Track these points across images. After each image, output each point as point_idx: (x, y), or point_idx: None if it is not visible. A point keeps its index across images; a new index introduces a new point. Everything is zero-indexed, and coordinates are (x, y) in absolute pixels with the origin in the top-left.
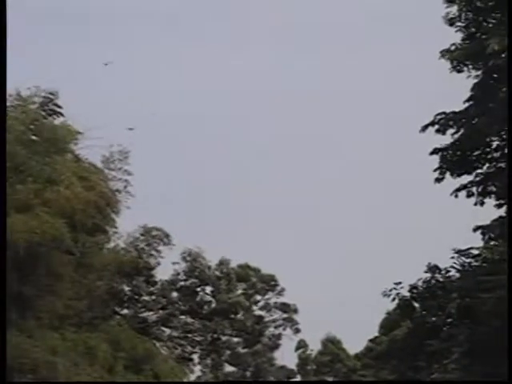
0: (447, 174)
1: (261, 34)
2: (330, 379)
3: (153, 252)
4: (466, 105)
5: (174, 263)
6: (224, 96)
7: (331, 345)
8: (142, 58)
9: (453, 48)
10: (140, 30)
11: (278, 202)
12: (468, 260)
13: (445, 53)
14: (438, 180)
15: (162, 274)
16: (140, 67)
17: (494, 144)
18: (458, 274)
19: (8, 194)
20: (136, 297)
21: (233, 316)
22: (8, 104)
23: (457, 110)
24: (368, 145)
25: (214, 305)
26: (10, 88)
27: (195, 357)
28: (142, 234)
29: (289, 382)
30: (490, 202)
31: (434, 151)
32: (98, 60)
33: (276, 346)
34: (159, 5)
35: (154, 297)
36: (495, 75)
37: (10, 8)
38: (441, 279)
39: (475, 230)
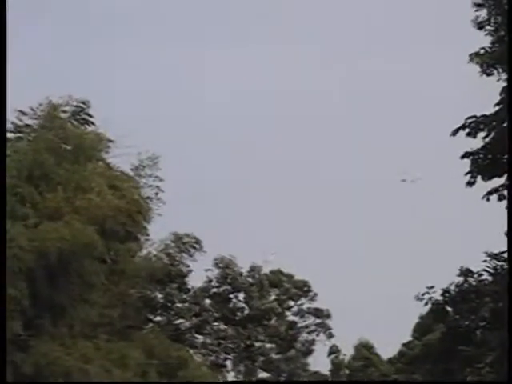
0: (478, 178)
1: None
2: None
3: (185, 259)
4: (496, 108)
5: (206, 270)
6: (258, 99)
7: (364, 349)
8: (170, 65)
9: (482, 52)
10: (165, 35)
11: (310, 207)
12: (500, 263)
13: (474, 56)
14: (469, 183)
15: (195, 280)
16: (169, 74)
17: None
18: (490, 278)
19: (38, 203)
20: (169, 304)
21: (266, 322)
22: (39, 112)
23: (487, 113)
24: (398, 148)
25: (246, 311)
26: (42, 96)
27: (229, 363)
28: (173, 241)
29: (288, 382)
30: None
31: (465, 155)
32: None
33: (309, 352)
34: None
35: (186, 304)
36: None
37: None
38: (473, 283)
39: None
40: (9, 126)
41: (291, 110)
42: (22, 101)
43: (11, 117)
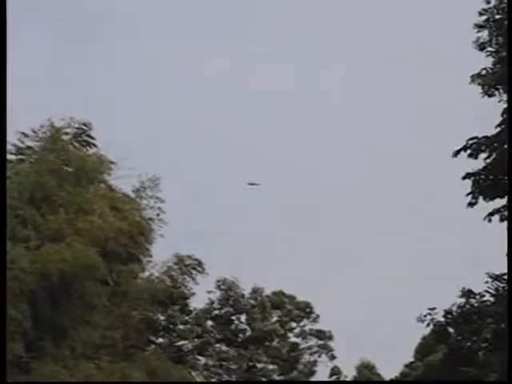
0: (480, 199)
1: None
2: None
3: (187, 281)
4: (498, 129)
5: (208, 292)
6: (262, 118)
7: (366, 370)
8: (169, 67)
9: (483, 72)
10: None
11: (311, 229)
12: (502, 285)
13: (475, 77)
14: (470, 204)
15: (197, 302)
16: (168, 91)
17: None
18: (492, 299)
19: (40, 224)
20: (171, 326)
21: (268, 344)
22: (41, 134)
23: (489, 134)
24: (399, 169)
25: (248, 333)
26: (44, 118)
27: None
28: (175, 263)
29: (288, 382)
30: None
31: (467, 176)
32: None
33: (311, 373)
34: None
35: (188, 326)
36: None
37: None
38: (475, 304)
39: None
40: (10, 147)
41: (293, 110)
42: (22, 106)
43: (13, 138)
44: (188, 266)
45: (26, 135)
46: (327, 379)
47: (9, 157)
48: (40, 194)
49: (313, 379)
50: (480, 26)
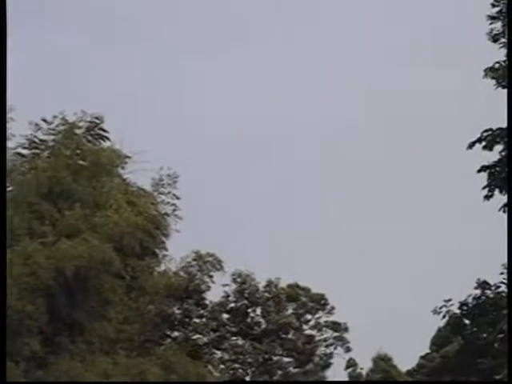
0: (496, 191)
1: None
2: None
3: (205, 277)
4: None
5: (223, 285)
6: (274, 119)
7: (382, 362)
8: (188, 80)
9: (497, 66)
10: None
11: (326, 221)
12: None
13: (489, 71)
14: (487, 197)
15: (212, 296)
16: (186, 89)
17: None
18: (508, 290)
19: (57, 220)
20: (187, 320)
21: (283, 336)
22: (53, 126)
23: (503, 126)
24: (414, 164)
25: (264, 325)
26: (56, 113)
27: (247, 378)
28: (194, 259)
29: (288, 382)
30: None
31: (482, 168)
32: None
33: (327, 365)
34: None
35: (204, 319)
36: None
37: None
38: (491, 295)
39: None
40: (23, 141)
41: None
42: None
43: (24, 130)
44: (206, 262)
45: (38, 127)
46: (343, 371)
47: (22, 151)
48: (56, 189)
49: (329, 371)
50: (493, 18)
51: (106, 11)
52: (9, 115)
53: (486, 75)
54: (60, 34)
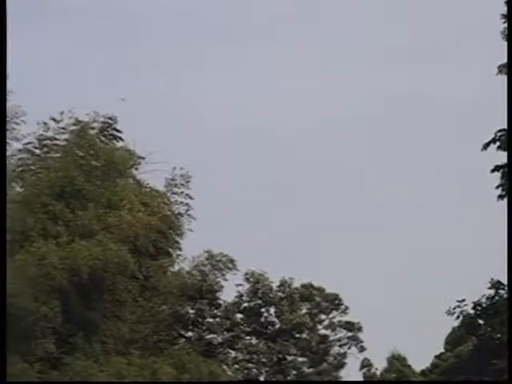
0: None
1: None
2: None
3: (218, 277)
4: None
5: (237, 285)
6: (290, 117)
7: (396, 362)
8: (202, 79)
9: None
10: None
11: (341, 220)
12: None
13: (502, 68)
14: (501, 197)
15: (226, 295)
16: (199, 90)
17: None
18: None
19: (70, 220)
20: (200, 319)
21: (297, 336)
22: (63, 125)
23: None
24: (427, 164)
25: (278, 325)
26: (69, 113)
27: (261, 378)
28: (207, 259)
29: (289, 382)
30: None
31: (496, 168)
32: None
33: (341, 365)
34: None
35: (218, 319)
36: None
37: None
38: (505, 295)
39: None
40: (33, 139)
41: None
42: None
43: (33, 129)
44: (219, 262)
45: (47, 126)
46: (357, 371)
47: (34, 150)
48: (69, 189)
49: (343, 371)
50: (507, 16)
51: (116, 11)
52: (21, 118)
53: (499, 72)
54: (69, 33)
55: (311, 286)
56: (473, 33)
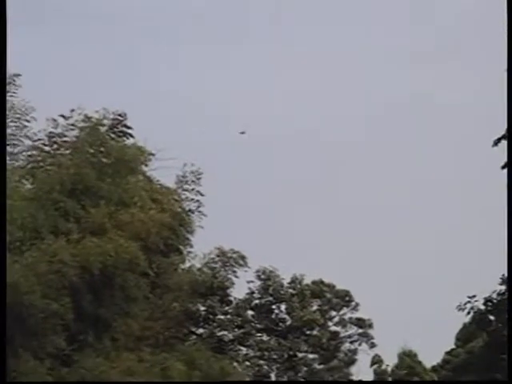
0: None
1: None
2: None
3: (229, 274)
4: None
5: (248, 282)
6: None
7: (407, 358)
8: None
9: None
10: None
11: (350, 217)
12: None
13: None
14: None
15: (237, 292)
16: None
17: None
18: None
19: (81, 217)
20: (211, 316)
21: (308, 332)
22: (72, 121)
23: None
24: (439, 161)
25: (289, 322)
26: (79, 110)
27: (272, 375)
28: (218, 256)
29: (289, 382)
30: None
31: (505, 165)
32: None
33: (352, 362)
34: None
35: (229, 316)
36: None
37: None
38: None
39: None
40: (43, 136)
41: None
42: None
43: (43, 127)
44: (230, 258)
45: (57, 123)
46: (368, 368)
47: (44, 147)
48: (80, 186)
49: (354, 368)
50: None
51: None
52: (30, 115)
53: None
54: (81, 30)
55: (322, 282)
56: (473, 33)
